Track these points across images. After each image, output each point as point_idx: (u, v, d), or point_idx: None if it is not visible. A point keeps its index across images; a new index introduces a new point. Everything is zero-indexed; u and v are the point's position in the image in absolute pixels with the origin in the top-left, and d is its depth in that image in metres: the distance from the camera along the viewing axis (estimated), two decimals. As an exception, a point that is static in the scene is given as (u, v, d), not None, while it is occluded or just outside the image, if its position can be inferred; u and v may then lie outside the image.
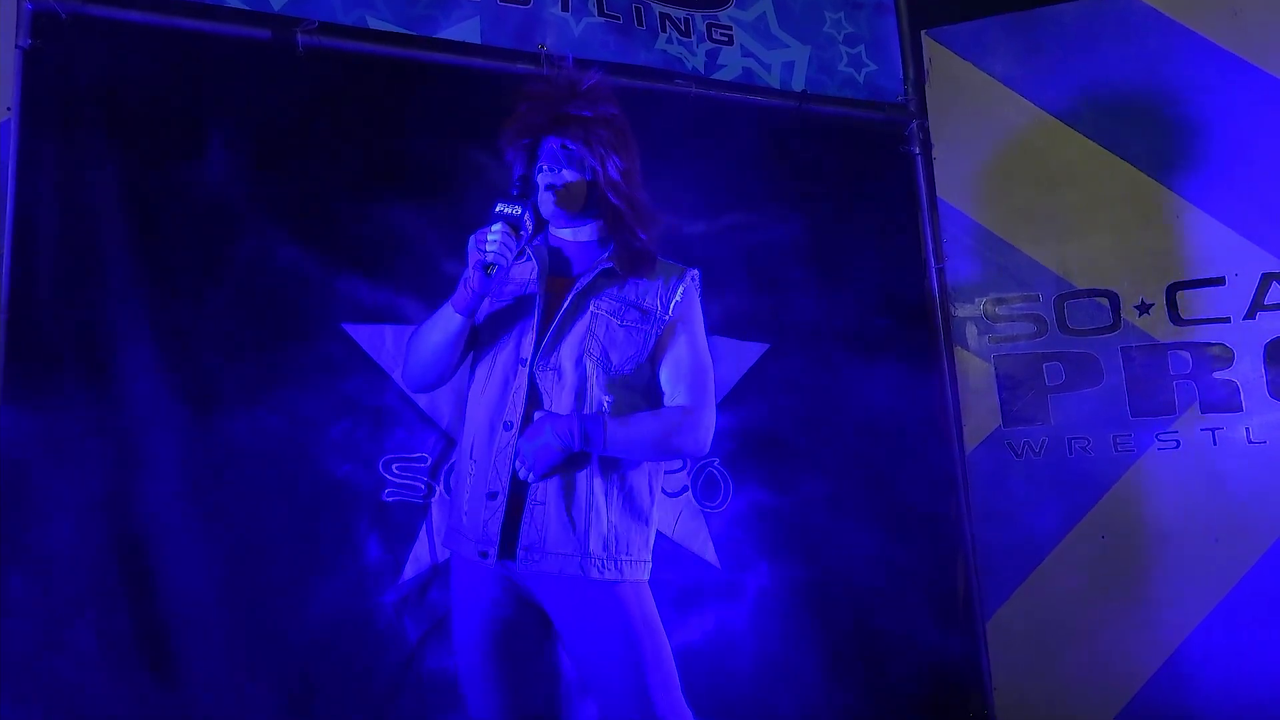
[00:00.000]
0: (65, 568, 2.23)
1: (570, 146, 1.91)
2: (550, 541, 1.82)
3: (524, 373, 1.87)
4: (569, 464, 1.83)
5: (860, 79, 3.45)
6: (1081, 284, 3.25)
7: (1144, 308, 3.17)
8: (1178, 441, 3.11)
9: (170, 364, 2.37)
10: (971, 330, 3.37)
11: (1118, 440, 3.16)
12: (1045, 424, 3.25)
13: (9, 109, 2.30)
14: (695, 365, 1.94)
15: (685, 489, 2.92)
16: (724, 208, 3.07)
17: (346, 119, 2.66)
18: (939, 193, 3.43)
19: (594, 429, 1.81)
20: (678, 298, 1.95)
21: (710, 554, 2.90)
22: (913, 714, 3.06)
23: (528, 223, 1.84)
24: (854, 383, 3.14)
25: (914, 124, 3.46)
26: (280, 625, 2.40)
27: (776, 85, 3.30)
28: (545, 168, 1.92)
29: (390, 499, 2.56)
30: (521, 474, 1.82)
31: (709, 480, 2.96)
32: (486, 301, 1.90)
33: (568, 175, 1.92)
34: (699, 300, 2.00)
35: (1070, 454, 3.21)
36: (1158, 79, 3.20)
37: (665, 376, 1.94)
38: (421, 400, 2.61)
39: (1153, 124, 3.20)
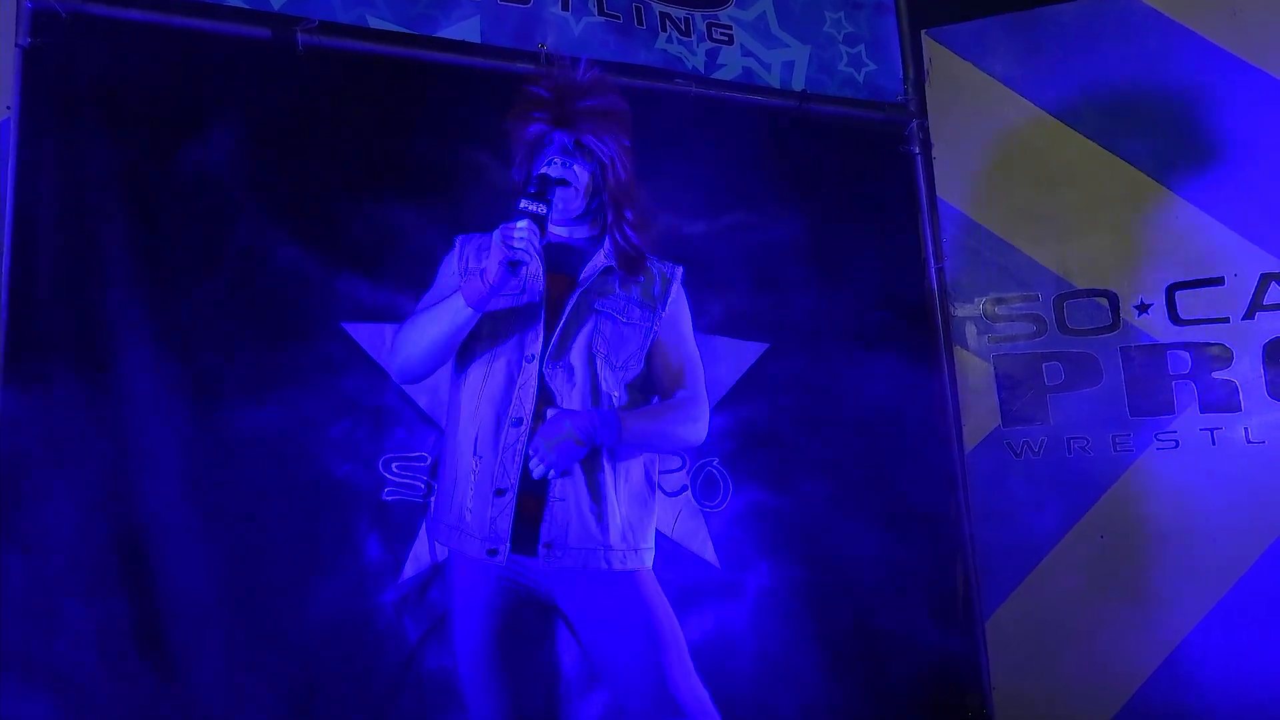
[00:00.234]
0: (64, 566, 2.23)
1: (583, 142, 1.92)
2: (573, 536, 1.84)
3: (531, 370, 1.87)
4: (584, 459, 1.85)
5: (860, 79, 3.45)
6: (1081, 284, 3.25)
7: (1143, 308, 3.18)
8: (1177, 441, 3.11)
9: (170, 362, 2.37)
10: (971, 330, 3.37)
11: (1117, 440, 3.17)
12: (1044, 424, 3.25)
13: (9, 107, 2.30)
14: (692, 358, 2.02)
15: (684, 489, 2.92)
16: (723, 207, 3.07)
17: (346, 118, 2.66)
18: (939, 192, 3.43)
19: (613, 423, 1.83)
20: (672, 294, 2.01)
21: (710, 554, 2.91)
22: (912, 713, 3.06)
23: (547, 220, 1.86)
24: (853, 382, 3.14)
25: (914, 124, 3.46)
26: (280, 624, 2.40)
27: (776, 85, 3.30)
28: (557, 162, 1.91)
29: (390, 498, 2.56)
30: (538, 471, 1.82)
31: (708, 480, 2.96)
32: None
33: (578, 171, 1.92)
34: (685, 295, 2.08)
35: (1069, 454, 3.21)
36: (1157, 79, 3.21)
37: (663, 370, 1.98)
38: (421, 399, 2.61)
39: (1152, 124, 3.20)
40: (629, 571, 1.87)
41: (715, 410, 2.84)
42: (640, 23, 3.12)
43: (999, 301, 3.35)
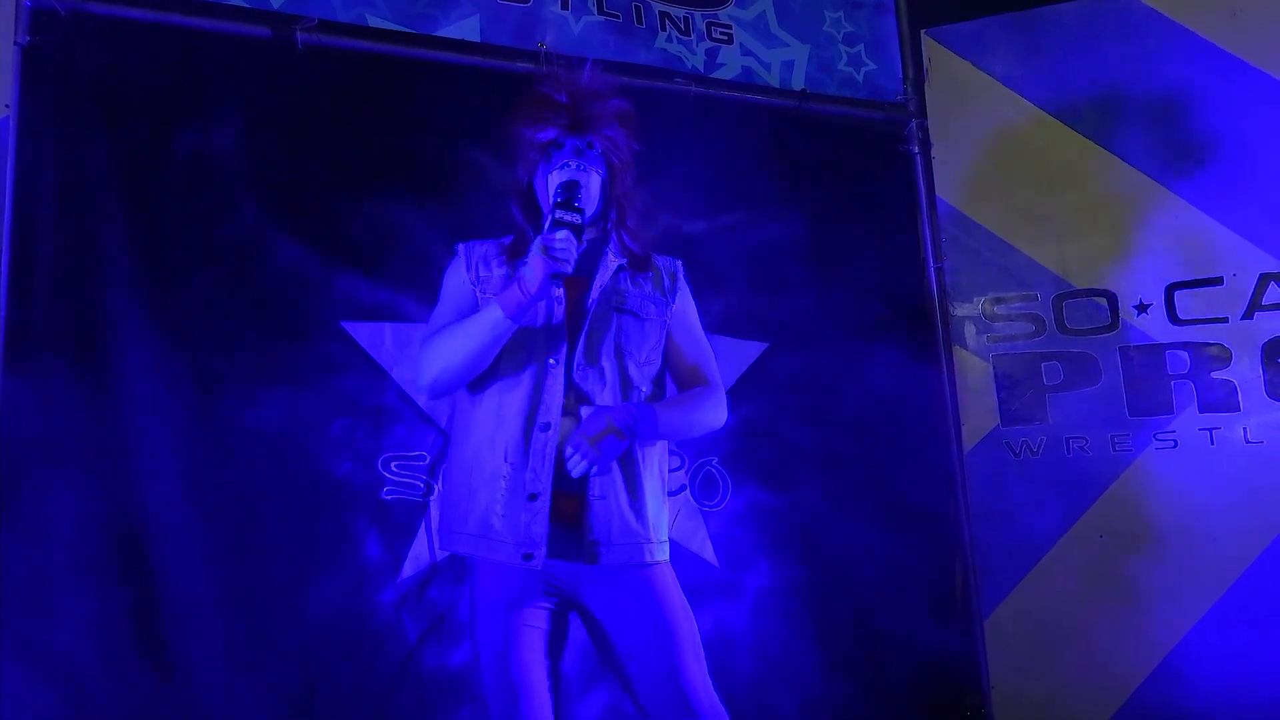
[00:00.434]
0: (62, 565, 2.23)
1: (596, 145, 1.93)
2: (617, 533, 1.86)
3: (557, 374, 1.86)
4: (625, 457, 1.89)
5: (860, 78, 3.45)
6: (1080, 283, 3.25)
7: (1142, 308, 3.18)
8: (1175, 441, 3.11)
9: (169, 361, 2.37)
10: (970, 329, 3.37)
11: (1115, 440, 3.17)
12: (1043, 423, 3.25)
13: (7, 106, 2.30)
14: (705, 346, 2.08)
15: (683, 488, 2.92)
16: (723, 207, 3.07)
17: (346, 117, 2.66)
18: (938, 192, 3.43)
19: (650, 415, 1.87)
20: (679, 287, 2.06)
21: (709, 553, 2.91)
22: (910, 712, 3.06)
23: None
24: (852, 382, 3.14)
25: (913, 123, 3.46)
26: (279, 623, 2.40)
27: (776, 84, 3.30)
28: (572, 166, 1.91)
29: (389, 497, 2.56)
30: (579, 469, 1.80)
31: (707, 479, 2.96)
32: None
33: (593, 174, 1.93)
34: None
35: (1068, 453, 3.22)
36: (1157, 79, 3.21)
37: (678, 361, 2.04)
38: (421, 399, 2.61)
39: (1151, 124, 3.20)
40: (660, 564, 1.91)
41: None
42: (640, 22, 3.11)
43: (998, 301, 3.35)
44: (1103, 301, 3.22)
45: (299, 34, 2.59)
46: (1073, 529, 3.17)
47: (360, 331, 2.57)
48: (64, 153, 2.35)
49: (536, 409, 1.85)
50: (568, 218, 1.79)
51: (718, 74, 3.22)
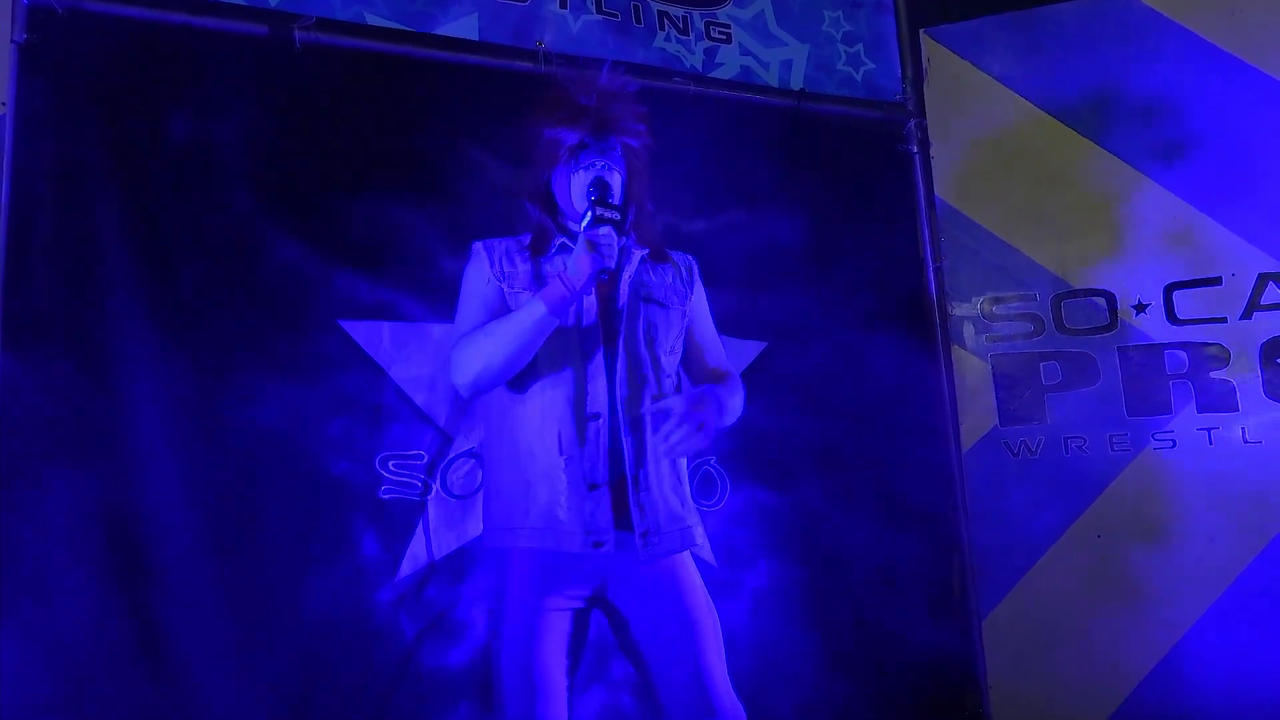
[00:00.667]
0: (59, 565, 2.22)
1: (617, 146, 1.97)
2: (665, 520, 1.91)
3: (598, 364, 1.90)
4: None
5: (858, 78, 3.45)
6: (1078, 283, 3.25)
7: (1141, 307, 3.18)
8: (1174, 441, 3.11)
9: (167, 360, 2.36)
10: (969, 329, 3.37)
11: (1114, 440, 3.17)
12: (1042, 423, 3.25)
13: (4, 104, 2.29)
14: (718, 338, 2.18)
15: (682, 487, 2.92)
16: (721, 206, 3.07)
17: (344, 115, 2.65)
18: (937, 191, 3.43)
19: (718, 401, 1.92)
20: (696, 279, 2.14)
21: (707, 552, 2.90)
22: (908, 712, 3.06)
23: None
24: (850, 381, 3.14)
25: (912, 123, 3.46)
26: (276, 622, 2.39)
27: (775, 84, 3.30)
28: (597, 165, 1.94)
29: (387, 496, 2.56)
30: (685, 448, 1.84)
31: (705, 478, 2.96)
32: (528, 297, 1.90)
33: (615, 174, 1.96)
34: None
35: (1066, 453, 3.22)
36: (1156, 79, 3.21)
37: (697, 355, 2.12)
38: (418, 397, 2.61)
39: (1150, 124, 3.20)
40: (682, 555, 1.95)
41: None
42: (638, 21, 3.11)
43: (997, 301, 3.35)
44: (1101, 301, 3.22)
45: (297, 32, 2.59)
46: (1071, 529, 3.17)
47: (358, 330, 2.56)
48: (61, 151, 2.34)
49: (584, 400, 1.88)
50: (608, 214, 1.82)
51: (716, 73, 3.21)
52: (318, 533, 2.47)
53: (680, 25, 3.18)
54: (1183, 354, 3.13)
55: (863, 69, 3.46)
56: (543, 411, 1.89)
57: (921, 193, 3.44)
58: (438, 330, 2.62)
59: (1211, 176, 3.12)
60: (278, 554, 2.42)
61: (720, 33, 3.25)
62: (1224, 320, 3.09)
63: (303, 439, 2.47)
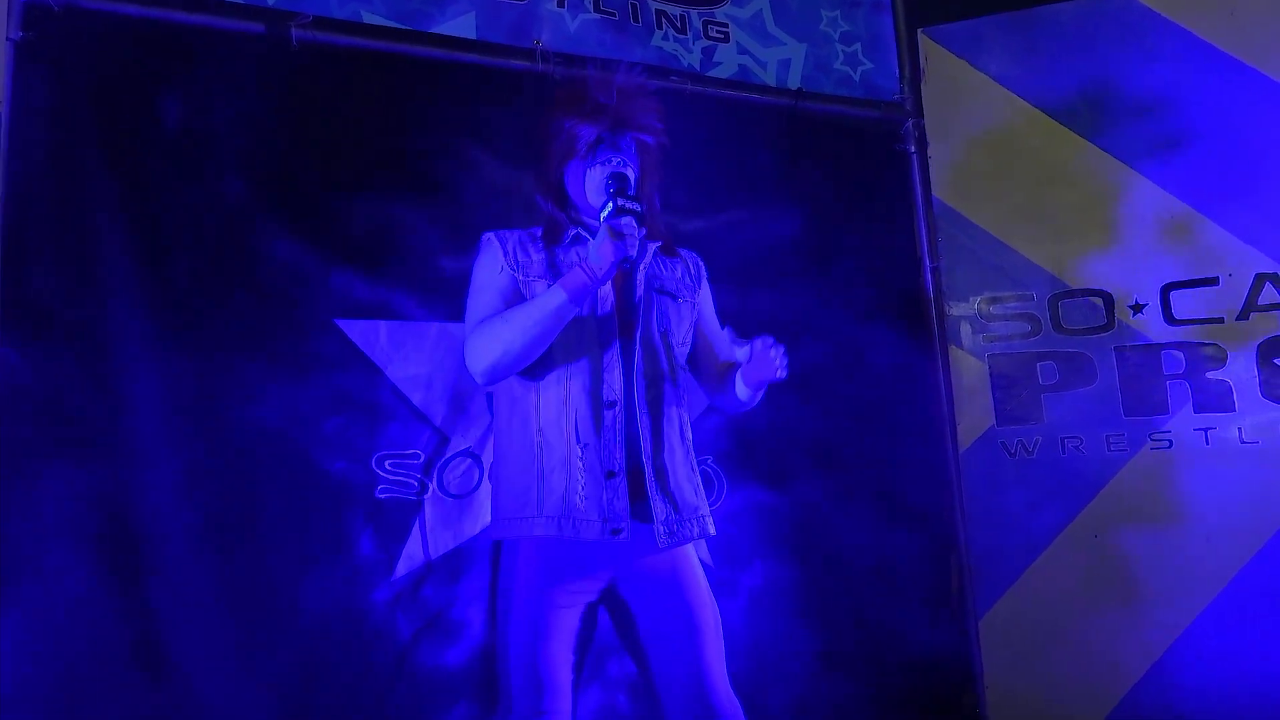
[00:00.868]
0: (55, 567, 2.21)
1: (632, 143, 2.02)
2: (683, 508, 1.96)
3: (614, 353, 1.93)
4: (674, 433, 1.99)
5: (856, 77, 3.44)
6: (1076, 283, 3.25)
7: (1138, 307, 3.18)
8: (1171, 441, 3.12)
9: (163, 359, 2.35)
10: (966, 329, 3.37)
11: (1111, 440, 3.17)
12: (1039, 423, 3.25)
13: (0, 101, 2.28)
14: (724, 333, 2.20)
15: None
16: (718, 206, 3.06)
17: (341, 114, 2.64)
18: (934, 191, 3.43)
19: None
20: (704, 276, 2.23)
21: (704, 551, 2.90)
22: (905, 711, 3.06)
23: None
24: (847, 381, 3.14)
25: (910, 122, 3.45)
26: (272, 622, 2.38)
27: (772, 83, 3.30)
28: (613, 161, 1.98)
29: (383, 496, 2.55)
30: (780, 376, 1.99)
31: (703, 477, 2.94)
32: (542, 286, 1.93)
33: (632, 169, 2.01)
34: None
35: (1063, 453, 3.22)
36: (1153, 79, 3.21)
37: (706, 351, 2.19)
38: (415, 396, 2.60)
39: (1148, 123, 3.21)
40: (686, 549, 1.98)
41: (710, 409, 2.84)
42: (636, 19, 3.11)
43: (994, 301, 3.35)
44: (1098, 301, 3.22)
45: (294, 30, 2.58)
46: (1068, 529, 3.17)
47: (354, 329, 2.56)
48: (57, 149, 2.33)
49: (600, 389, 1.91)
50: (630, 205, 1.85)
51: (714, 72, 3.21)
52: (314, 532, 2.46)
53: (678, 24, 3.18)
54: (1180, 354, 3.13)
55: (860, 68, 3.46)
56: (559, 400, 1.91)
57: (919, 192, 3.43)
58: (435, 329, 2.62)
59: (1209, 176, 3.13)
60: (273, 553, 2.41)
61: (718, 32, 3.25)
62: (1221, 320, 3.10)
63: (299, 438, 2.46)
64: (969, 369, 3.35)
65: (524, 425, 1.94)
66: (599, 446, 1.89)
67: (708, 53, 3.21)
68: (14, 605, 2.16)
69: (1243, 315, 3.07)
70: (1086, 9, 3.32)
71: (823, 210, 3.23)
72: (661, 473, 1.93)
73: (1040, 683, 3.15)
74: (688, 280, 2.15)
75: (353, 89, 2.67)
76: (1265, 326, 3.05)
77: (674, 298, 2.07)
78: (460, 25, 2.85)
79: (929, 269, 3.40)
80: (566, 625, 1.88)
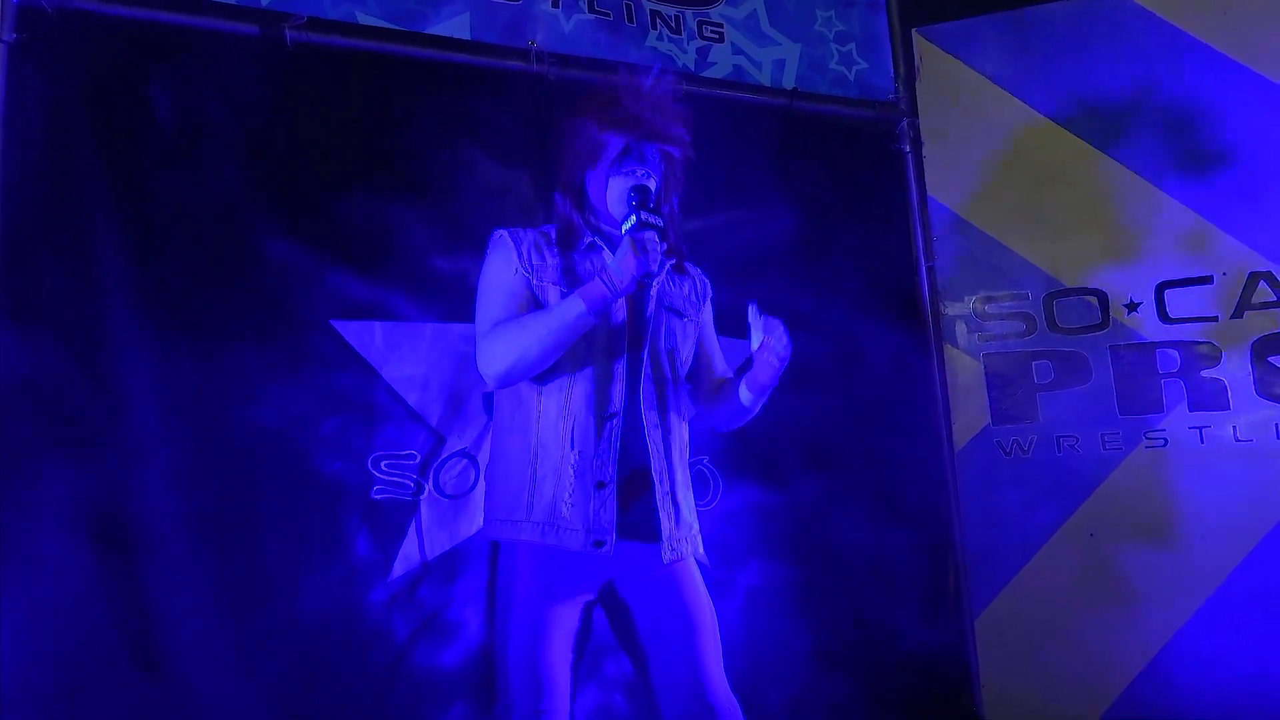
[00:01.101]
0: (51, 567, 2.21)
1: (657, 155, 1.99)
2: (682, 524, 1.97)
3: (621, 364, 1.93)
4: (677, 449, 2.01)
5: (851, 77, 3.45)
6: (1071, 282, 3.26)
7: (1132, 306, 3.19)
8: (1165, 440, 3.12)
9: (159, 359, 2.35)
10: (961, 328, 3.38)
11: (1106, 438, 3.17)
12: (1034, 422, 3.26)
13: (-5, 103, 2.29)
14: (720, 347, 2.24)
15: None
16: (714, 206, 3.05)
17: (336, 114, 2.64)
18: (929, 191, 3.43)
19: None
20: (709, 295, 2.21)
21: (700, 551, 2.90)
22: (901, 710, 3.06)
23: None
24: (843, 380, 3.14)
25: (904, 122, 3.46)
26: (269, 623, 2.38)
27: (767, 83, 3.30)
28: (638, 172, 1.96)
29: (379, 496, 2.55)
30: (782, 364, 2.00)
31: (698, 478, 2.95)
32: (557, 295, 1.93)
33: (654, 180, 1.99)
34: None
35: (1059, 452, 3.22)
36: (1148, 78, 3.22)
37: (707, 367, 2.19)
38: (411, 397, 2.60)
39: (1142, 123, 3.21)
40: (684, 560, 1.98)
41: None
42: (630, 20, 3.11)
43: (989, 300, 3.35)
44: (1093, 300, 3.23)
45: (288, 31, 2.58)
46: (1063, 528, 3.18)
47: (350, 330, 2.56)
48: (52, 150, 2.33)
49: (605, 400, 1.91)
50: (654, 220, 1.84)
51: (709, 73, 3.21)
52: (310, 533, 2.46)
53: (672, 24, 3.18)
54: (1174, 353, 3.14)
55: (855, 68, 3.46)
56: (560, 407, 1.90)
57: (914, 192, 3.44)
58: (430, 330, 2.62)
59: (1203, 175, 3.13)
60: (270, 554, 2.41)
61: (713, 32, 3.25)
62: (1215, 319, 3.10)
63: (294, 438, 2.46)
64: (964, 368, 3.36)
65: (523, 429, 1.94)
66: (593, 456, 1.88)
67: (702, 53, 3.22)
68: (13, 605, 2.16)
69: (1237, 314, 3.08)
70: (1081, 9, 3.33)
71: (818, 210, 3.23)
72: (671, 485, 1.95)
73: (1036, 681, 3.15)
74: (694, 298, 2.14)
75: (348, 89, 2.67)
76: (1260, 325, 3.06)
77: (680, 316, 2.07)
78: (455, 26, 2.85)
79: (924, 268, 3.40)
80: (566, 625, 1.88)
